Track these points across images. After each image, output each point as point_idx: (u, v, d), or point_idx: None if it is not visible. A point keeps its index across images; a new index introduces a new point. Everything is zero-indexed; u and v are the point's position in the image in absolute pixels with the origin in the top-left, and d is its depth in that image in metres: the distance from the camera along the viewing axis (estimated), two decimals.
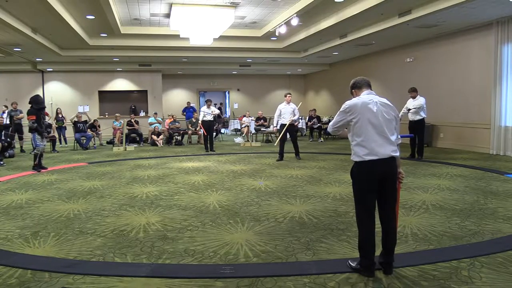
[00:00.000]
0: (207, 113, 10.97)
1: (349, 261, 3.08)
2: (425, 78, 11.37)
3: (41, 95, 16.22)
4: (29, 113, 8.04)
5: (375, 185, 2.89)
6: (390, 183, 2.93)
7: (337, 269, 3.05)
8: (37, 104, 7.94)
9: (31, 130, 7.91)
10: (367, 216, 2.93)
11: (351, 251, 3.40)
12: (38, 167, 8.00)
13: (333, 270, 3.03)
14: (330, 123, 3.16)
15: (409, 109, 8.55)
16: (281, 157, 9.02)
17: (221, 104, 21.93)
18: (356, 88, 3.14)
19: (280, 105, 9.17)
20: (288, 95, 9.20)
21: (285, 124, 8.91)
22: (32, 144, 8.34)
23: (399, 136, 2.99)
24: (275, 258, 3.31)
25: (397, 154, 2.93)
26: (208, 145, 11.10)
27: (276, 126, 9.19)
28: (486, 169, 7.35)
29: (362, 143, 2.88)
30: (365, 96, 3.00)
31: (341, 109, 3.02)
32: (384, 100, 3.00)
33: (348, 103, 2.99)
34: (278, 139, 9.17)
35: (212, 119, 11.16)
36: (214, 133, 14.97)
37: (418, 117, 8.52)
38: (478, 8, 7.99)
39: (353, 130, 2.95)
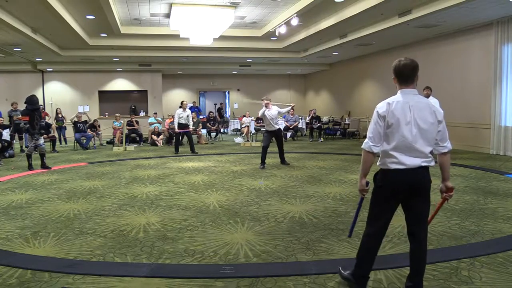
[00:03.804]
0: (181, 116, 10.78)
1: (340, 268, 2.90)
2: (425, 78, 11.30)
3: (41, 95, 16.31)
4: (22, 113, 8.17)
5: (396, 199, 2.52)
6: (420, 198, 2.49)
7: (337, 269, 3.03)
8: (31, 105, 7.95)
9: (22, 130, 7.98)
10: (374, 232, 2.57)
11: (351, 251, 3.40)
12: (30, 167, 8.04)
13: (333, 270, 3.02)
14: (366, 139, 2.53)
15: None
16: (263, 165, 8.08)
17: (221, 104, 21.93)
18: (399, 78, 2.56)
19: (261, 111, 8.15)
20: (264, 101, 8.17)
21: (274, 130, 8.20)
22: (25, 144, 8.48)
23: (445, 145, 2.52)
24: (275, 258, 3.31)
25: (432, 163, 2.49)
26: (177, 147, 10.86)
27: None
28: (486, 169, 7.36)
29: (390, 150, 2.47)
30: (405, 97, 2.51)
31: (376, 114, 2.51)
32: (422, 104, 2.48)
33: (384, 106, 2.50)
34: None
35: (186, 122, 10.80)
36: (214, 133, 15.02)
37: None
38: (478, 8, 7.99)
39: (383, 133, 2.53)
